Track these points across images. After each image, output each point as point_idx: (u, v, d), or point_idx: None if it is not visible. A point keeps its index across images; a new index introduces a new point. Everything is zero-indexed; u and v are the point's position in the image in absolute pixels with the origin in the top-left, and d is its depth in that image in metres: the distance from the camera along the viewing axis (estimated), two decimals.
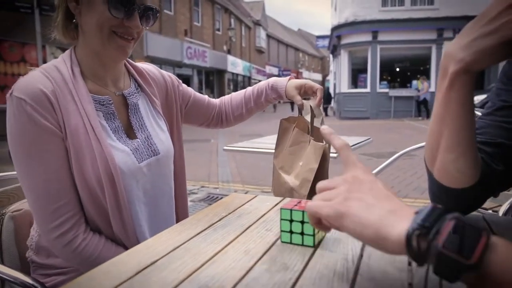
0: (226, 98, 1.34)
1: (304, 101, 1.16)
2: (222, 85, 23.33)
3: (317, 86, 1.16)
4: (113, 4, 0.85)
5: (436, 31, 15.84)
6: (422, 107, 15.23)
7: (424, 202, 3.78)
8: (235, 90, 25.89)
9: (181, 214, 1.13)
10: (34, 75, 0.86)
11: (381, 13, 16.42)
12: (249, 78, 28.56)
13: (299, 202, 0.70)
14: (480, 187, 0.69)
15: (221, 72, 23.01)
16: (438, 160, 0.67)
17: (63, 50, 1.00)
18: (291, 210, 0.67)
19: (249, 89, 1.30)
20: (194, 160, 6.34)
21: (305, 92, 1.19)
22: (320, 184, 0.55)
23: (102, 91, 0.95)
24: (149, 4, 0.92)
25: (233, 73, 25.00)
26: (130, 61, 1.08)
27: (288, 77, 1.24)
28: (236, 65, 24.74)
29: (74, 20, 0.92)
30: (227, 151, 2.41)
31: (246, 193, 4.26)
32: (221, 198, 3.98)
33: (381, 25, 16.31)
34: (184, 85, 1.23)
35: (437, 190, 0.72)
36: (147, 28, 0.96)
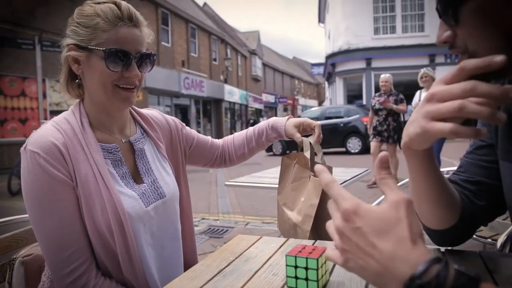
0: (228, 138, 1.39)
1: (303, 138, 1.21)
2: (219, 114, 23.54)
3: (315, 123, 1.22)
4: (110, 60, 0.91)
5: (428, 56, 16.21)
6: None
7: None
8: (233, 118, 26.04)
9: (189, 254, 1.16)
10: (46, 129, 0.92)
11: (373, 41, 16.85)
12: (246, 106, 28.84)
13: (304, 248, 0.74)
14: (465, 223, 0.75)
15: (218, 101, 23.26)
16: (416, 208, 0.73)
17: None
18: (295, 256, 0.71)
19: (250, 129, 1.36)
20: (194, 191, 6.29)
21: (304, 130, 1.25)
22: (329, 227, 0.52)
23: (109, 139, 1.00)
24: (145, 51, 0.97)
25: (230, 102, 25.26)
26: (136, 108, 1.13)
27: (287, 116, 1.31)
28: (233, 94, 25.06)
29: (78, 80, 0.99)
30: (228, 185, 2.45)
31: (246, 224, 4.26)
32: (222, 230, 3.97)
33: (374, 53, 16.71)
34: (188, 128, 1.28)
35: (425, 228, 0.79)
36: (147, 73, 1.00)
